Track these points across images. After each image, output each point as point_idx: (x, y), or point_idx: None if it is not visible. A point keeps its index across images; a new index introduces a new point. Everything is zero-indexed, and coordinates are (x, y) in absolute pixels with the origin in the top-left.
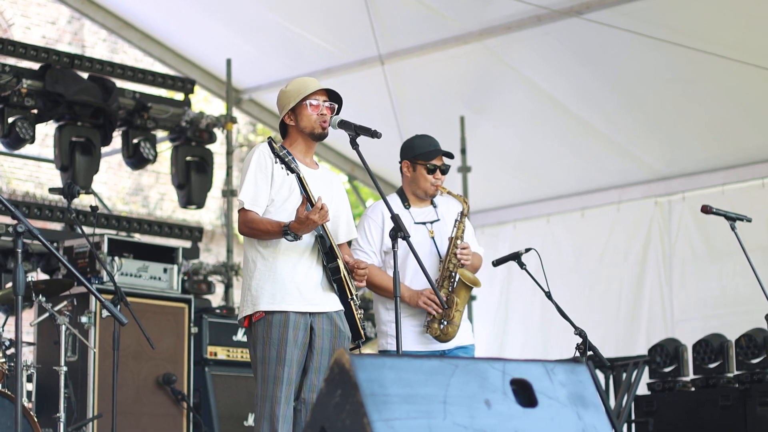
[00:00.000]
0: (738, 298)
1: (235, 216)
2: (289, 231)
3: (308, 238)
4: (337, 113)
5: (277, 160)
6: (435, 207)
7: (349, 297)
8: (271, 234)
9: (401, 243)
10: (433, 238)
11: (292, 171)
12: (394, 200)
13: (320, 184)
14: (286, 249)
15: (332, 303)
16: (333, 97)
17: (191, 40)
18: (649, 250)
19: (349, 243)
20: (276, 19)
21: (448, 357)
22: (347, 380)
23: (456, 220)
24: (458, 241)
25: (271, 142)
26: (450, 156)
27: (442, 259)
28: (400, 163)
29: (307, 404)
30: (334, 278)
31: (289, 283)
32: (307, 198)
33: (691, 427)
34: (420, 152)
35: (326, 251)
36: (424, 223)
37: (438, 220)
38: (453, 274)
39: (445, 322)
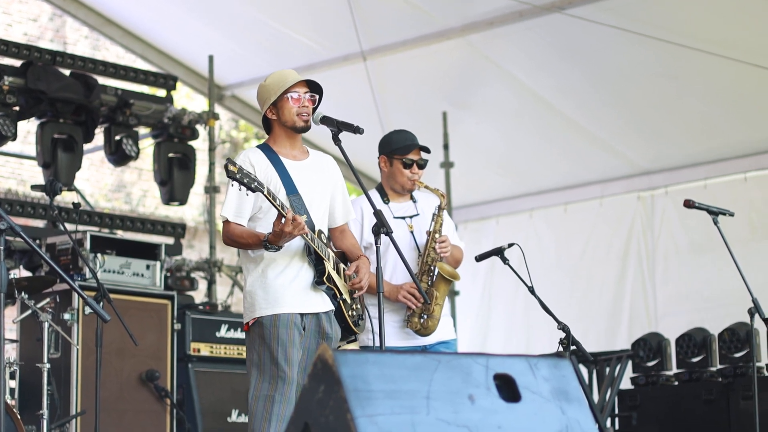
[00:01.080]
0: (721, 292)
1: (218, 212)
2: (269, 244)
3: (297, 242)
4: (318, 104)
5: (241, 187)
6: (415, 202)
7: (339, 297)
8: (252, 246)
9: (382, 238)
10: (412, 232)
11: (254, 191)
12: (374, 195)
13: (310, 173)
14: (276, 254)
15: (322, 304)
16: (313, 87)
17: (173, 36)
18: (632, 244)
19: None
20: (258, 15)
21: (431, 352)
22: (330, 376)
23: (434, 214)
24: (436, 235)
25: (227, 165)
26: (427, 150)
27: (420, 254)
28: (378, 158)
29: None
30: (320, 281)
31: (279, 287)
32: (278, 212)
33: (674, 421)
34: (396, 147)
35: (310, 254)
36: (403, 218)
37: (417, 214)
38: (432, 268)
39: (425, 316)
